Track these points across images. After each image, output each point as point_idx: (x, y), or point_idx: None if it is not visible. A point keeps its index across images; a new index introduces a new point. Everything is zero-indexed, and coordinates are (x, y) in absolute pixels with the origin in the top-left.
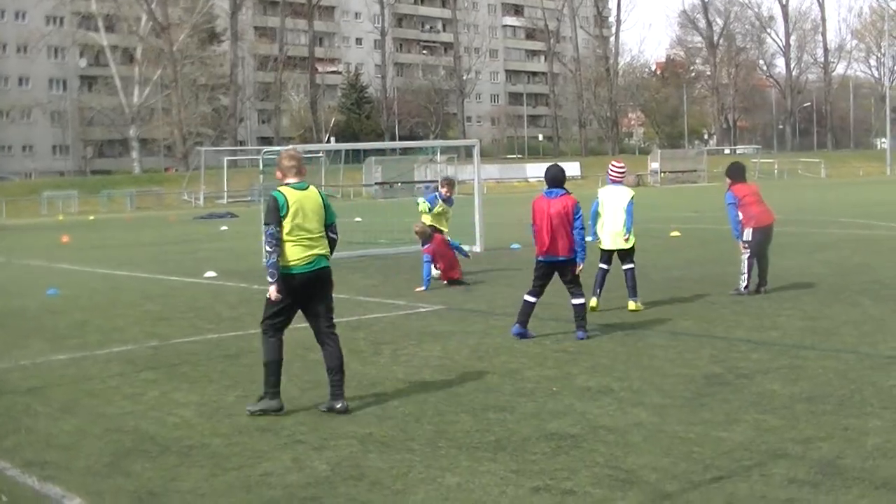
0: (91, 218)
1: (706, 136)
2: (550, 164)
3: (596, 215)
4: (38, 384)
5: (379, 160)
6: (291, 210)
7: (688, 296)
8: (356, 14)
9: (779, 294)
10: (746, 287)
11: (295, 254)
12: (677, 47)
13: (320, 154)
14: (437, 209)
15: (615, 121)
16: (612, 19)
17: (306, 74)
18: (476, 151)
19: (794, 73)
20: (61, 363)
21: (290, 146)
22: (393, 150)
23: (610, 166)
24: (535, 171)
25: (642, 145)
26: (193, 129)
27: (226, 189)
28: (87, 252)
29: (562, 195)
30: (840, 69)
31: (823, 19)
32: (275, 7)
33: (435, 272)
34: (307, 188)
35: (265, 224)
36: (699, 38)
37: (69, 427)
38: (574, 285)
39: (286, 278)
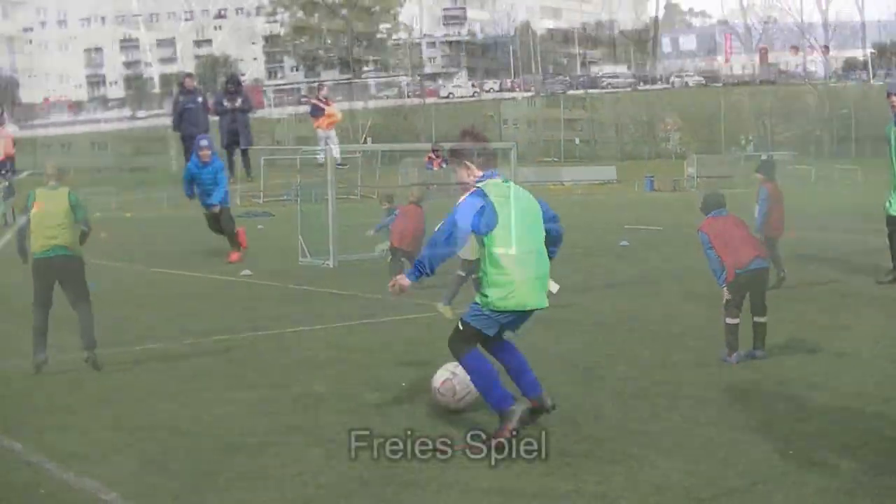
0: (128, 215)
1: (743, 142)
2: (710, 192)
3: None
4: (75, 379)
5: (415, 162)
6: (35, 207)
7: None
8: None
9: (814, 300)
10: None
11: (36, 242)
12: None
13: (357, 154)
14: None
15: (651, 125)
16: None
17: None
18: (513, 155)
19: (832, 79)
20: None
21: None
22: None
23: None
24: (571, 174)
25: (679, 150)
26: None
27: (262, 188)
28: (124, 248)
29: (728, 213)
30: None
31: (863, 24)
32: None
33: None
34: (57, 189)
35: None
36: (738, 43)
37: (106, 423)
38: (763, 299)
39: (34, 262)
